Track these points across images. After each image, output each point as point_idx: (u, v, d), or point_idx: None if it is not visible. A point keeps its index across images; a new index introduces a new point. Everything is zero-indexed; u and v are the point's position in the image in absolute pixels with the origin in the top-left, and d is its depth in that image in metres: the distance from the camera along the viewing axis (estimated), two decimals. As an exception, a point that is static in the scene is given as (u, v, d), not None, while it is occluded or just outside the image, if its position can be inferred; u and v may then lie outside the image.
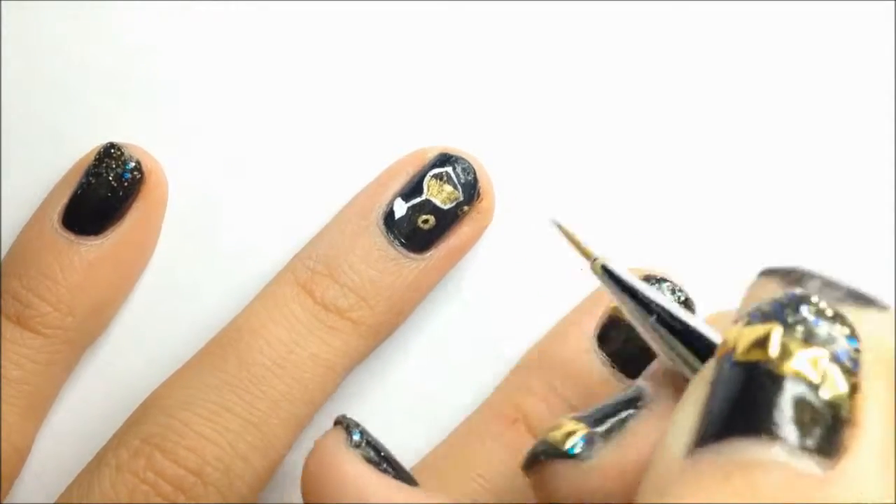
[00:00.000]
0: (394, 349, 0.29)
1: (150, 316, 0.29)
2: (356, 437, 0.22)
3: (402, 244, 0.26)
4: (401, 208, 0.27)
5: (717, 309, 0.27)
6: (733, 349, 0.16)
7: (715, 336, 0.20)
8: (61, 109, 0.29)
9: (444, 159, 0.27)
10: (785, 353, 0.15)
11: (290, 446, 0.26)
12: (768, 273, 0.19)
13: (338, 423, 0.22)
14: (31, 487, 0.28)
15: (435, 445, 0.28)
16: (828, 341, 0.16)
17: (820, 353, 0.15)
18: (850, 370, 0.16)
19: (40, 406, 0.27)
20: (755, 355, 0.16)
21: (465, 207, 0.27)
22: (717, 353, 0.16)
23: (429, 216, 0.27)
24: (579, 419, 0.20)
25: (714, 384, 0.16)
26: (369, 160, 0.29)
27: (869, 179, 0.29)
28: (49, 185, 0.28)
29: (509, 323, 0.29)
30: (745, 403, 0.15)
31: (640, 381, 0.21)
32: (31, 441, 0.27)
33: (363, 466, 0.22)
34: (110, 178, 0.27)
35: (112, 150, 0.27)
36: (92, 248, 0.27)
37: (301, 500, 0.28)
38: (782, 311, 0.16)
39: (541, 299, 0.29)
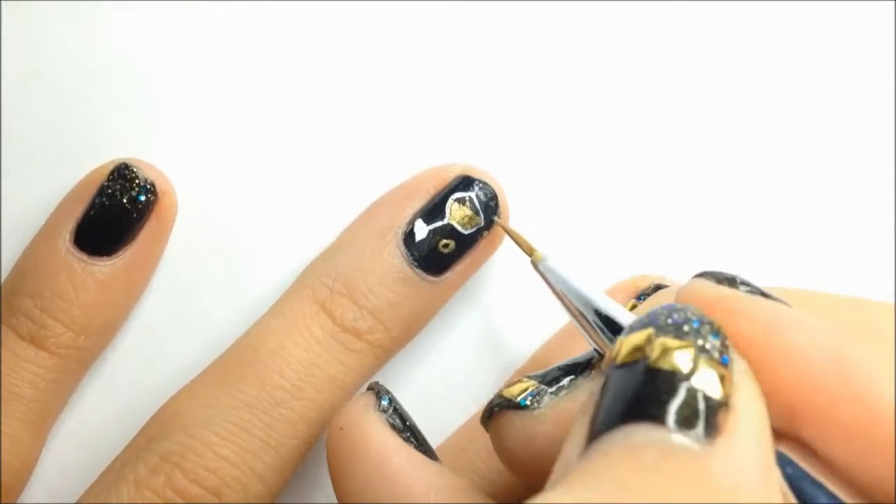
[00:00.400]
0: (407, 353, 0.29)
1: (156, 323, 0.28)
2: (384, 403, 0.23)
3: (421, 267, 0.27)
4: (422, 230, 0.27)
5: None
6: (616, 356, 0.18)
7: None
8: (61, 109, 0.28)
9: (467, 183, 0.27)
10: (660, 350, 0.17)
11: (303, 460, 0.26)
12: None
13: (370, 388, 0.24)
14: (35, 492, 0.28)
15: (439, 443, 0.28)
16: (697, 337, 0.18)
17: (690, 349, 0.17)
18: (720, 362, 0.17)
19: (48, 421, 0.27)
20: (634, 357, 0.18)
21: (486, 233, 0.27)
22: (603, 364, 0.18)
23: (449, 241, 0.27)
24: (532, 377, 0.22)
25: (602, 388, 0.18)
26: (375, 166, 0.29)
27: (869, 179, 0.30)
28: (49, 187, 0.28)
29: (513, 326, 0.29)
30: (627, 397, 0.17)
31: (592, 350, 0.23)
32: (37, 457, 0.27)
33: (387, 431, 0.23)
34: (124, 201, 0.27)
35: (126, 172, 0.27)
36: (105, 269, 0.27)
37: (302, 501, 0.29)
38: (656, 318, 0.18)
39: (545, 302, 0.29)
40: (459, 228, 0.27)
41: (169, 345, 0.28)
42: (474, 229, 0.27)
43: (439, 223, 0.27)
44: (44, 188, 0.28)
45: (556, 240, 0.29)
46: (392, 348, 0.27)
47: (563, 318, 0.28)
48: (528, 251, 0.24)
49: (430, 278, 0.27)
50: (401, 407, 0.24)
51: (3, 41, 0.28)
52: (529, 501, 0.16)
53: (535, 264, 0.24)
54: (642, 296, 0.27)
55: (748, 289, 0.20)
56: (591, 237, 0.29)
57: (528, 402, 0.22)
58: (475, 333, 0.29)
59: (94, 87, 0.28)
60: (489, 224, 0.27)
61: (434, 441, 0.27)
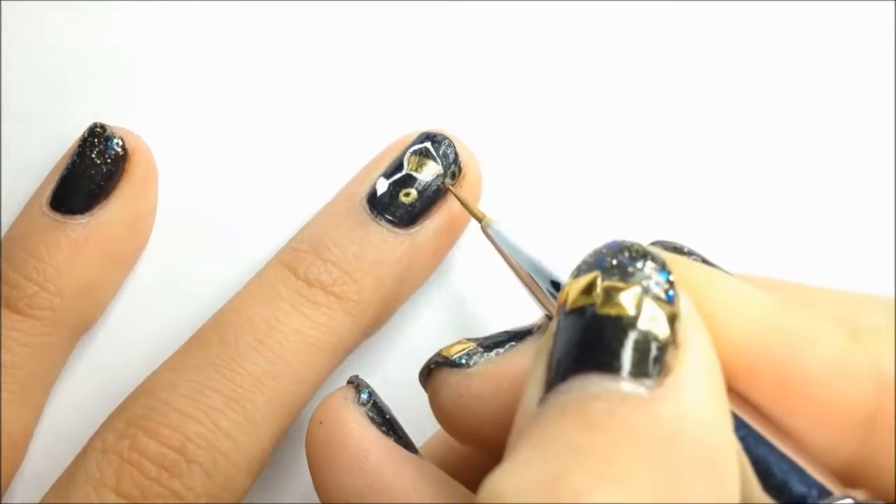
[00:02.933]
0: (390, 349, 0.28)
1: (148, 312, 0.28)
2: (364, 396, 0.23)
3: (387, 220, 0.26)
4: (383, 185, 0.27)
5: None
6: (565, 301, 0.18)
7: None
8: (61, 109, 0.29)
9: (424, 137, 0.27)
10: (606, 294, 0.17)
11: (282, 428, 0.25)
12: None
13: (350, 382, 0.24)
14: (31, 489, 0.27)
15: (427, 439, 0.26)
16: (642, 278, 0.17)
17: (636, 290, 0.17)
18: (666, 300, 0.17)
19: (35, 392, 0.26)
20: (582, 301, 0.17)
21: (446, 180, 0.27)
22: (556, 308, 0.18)
23: (410, 189, 0.26)
24: (472, 339, 0.23)
25: (554, 336, 0.17)
26: (367, 154, 0.29)
27: (869, 179, 0.29)
28: None
29: (502, 319, 0.28)
30: (578, 346, 0.17)
31: (537, 319, 0.23)
32: (30, 430, 0.27)
33: (367, 424, 0.22)
34: (93, 156, 0.27)
35: (96, 129, 0.27)
36: (77, 227, 0.27)
37: (302, 501, 0.28)
38: (602, 259, 0.18)
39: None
40: (418, 176, 0.27)
41: (162, 337, 0.28)
42: (433, 177, 0.27)
43: (398, 175, 0.27)
44: None
45: (550, 232, 0.29)
46: (365, 306, 0.26)
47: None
48: (478, 216, 0.25)
49: (398, 230, 0.26)
50: (380, 400, 0.23)
51: (3, 41, 0.29)
52: (491, 475, 0.16)
53: (484, 229, 0.24)
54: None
55: (695, 258, 0.20)
56: (588, 233, 0.29)
57: (462, 361, 0.22)
58: (462, 325, 0.28)
59: (94, 87, 0.29)
60: (450, 173, 0.27)
61: (420, 435, 0.27)
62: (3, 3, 0.30)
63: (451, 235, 0.27)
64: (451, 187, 0.27)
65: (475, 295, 0.29)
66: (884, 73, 0.29)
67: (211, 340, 0.25)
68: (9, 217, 0.28)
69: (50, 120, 0.29)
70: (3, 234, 0.28)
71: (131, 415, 0.24)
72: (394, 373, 0.28)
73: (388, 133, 0.29)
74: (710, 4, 0.29)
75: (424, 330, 0.29)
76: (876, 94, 0.29)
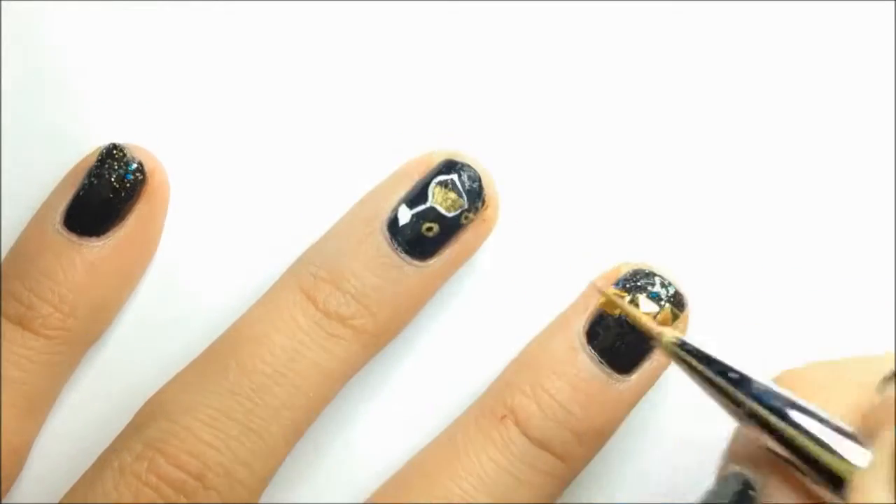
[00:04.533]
0: (390, 350, 0.29)
1: (152, 317, 0.29)
2: None
3: (406, 251, 0.26)
4: (405, 215, 0.27)
5: (712, 306, 0.28)
6: None
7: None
8: (61, 109, 0.29)
9: (450, 166, 0.27)
10: None
11: (290, 449, 0.26)
12: None
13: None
14: (31, 489, 0.28)
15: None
16: None
17: None
18: None
19: (40, 406, 0.27)
20: None
21: (470, 216, 0.27)
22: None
23: (433, 224, 0.27)
24: None
25: None
26: (373, 160, 0.29)
27: (869, 179, 0.29)
28: (49, 185, 0.28)
29: (504, 325, 0.29)
30: None
31: (735, 468, 0.20)
32: (31, 441, 0.27)
33: None
34: (112, 180, 0.27)
35: (114, 151, 0.27)
36: (94, 249, 0.27)
37: (300, 501, 0.29)
38: None
39: (536, 301, 0.29)
40: (443, 211, 0.27)
41: (165, 341, 0.29)
42: (458, 212, 0.27)
43: (422, 207, 0.27)
44: (44, 187, 0.28)
45: (550, 234, 0.29)
46: (379, 336, 0.27)
47: (555, 312, 0.28)
48: (653, 332, 0.22)
49: (416, 263, 0.26)
50: None
51: (3, 41, 0.29)
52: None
53: (667, 348, 0.21)
54: (620, 282, 0.27)
55: None
56: (586, 232, 0.29)
57: None
58: (463, 332, 0.29)
59: (95, 87, 0.29)
60: (473, 208, 0.27)
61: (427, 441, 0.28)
62: (2, 3, 0.29)
63: (460, 264, 0.28)
64: (600, 288, 0.26)
65: (473, 295, 0.29)
66: (884, 73, 0.29)
67: (230, 366, 0.26)
68: (8, 218, 0.28)
69: (51, 120, 0.29)
70: (6, 239, 0.28)
71: (149, 437, 0.25)
72: (389, 370, 0.29)
73: (394, 135, 0.29)
74: (711, 4, 0.29)
75: (424, 331, 0.29)
76: (876, 94, 0.29)
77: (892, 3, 0.29)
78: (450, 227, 0.27)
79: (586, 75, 0.29)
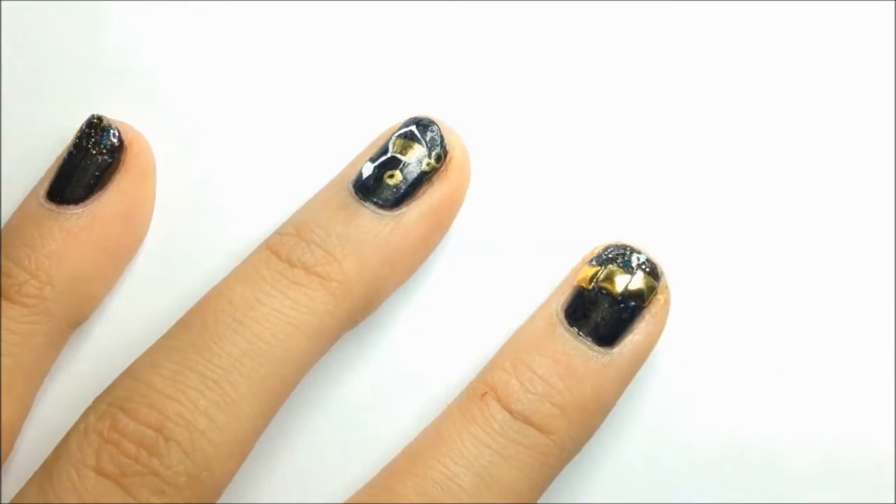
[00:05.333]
0: (382, 343, 0.28)
1: (151, 317, 0.28)
2: None
3: (373, 203, 0.26)
4: (368, 169, 0.27)
5: (715, 306, 0.28)
6: None
7: None
8: (61, 109, 0.29)
9: (411, 121, 0.27)
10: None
11: (265, 411, 0.25)
12: None
13: None
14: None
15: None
16: None
17: None
18: None
19: (24, 383, 0.26)
20: None
21: (429, 160, 0.26)
22: None
23: (394, 171, 0.26)
24: None
25: None
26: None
27: (869, 179, 0.29)
28: None
29: (498, 318, 0.28)
30: None
31: None
32: (17, 421, 0.27)
33: None
34: (89, 146, 0.27)
35: (93, 121, 0.28)
36: (71, 218, 0.27)
37: (300, 501, 0.28)
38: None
39: (530, 293, 0.28)
40: (403, 158, 0.27)
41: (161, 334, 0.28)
42: (418, 160, 0.26)
43: (383, 158, 0.27)
44: None
45: (548, 230, 0.29)
46: (350, 287, 0.26)
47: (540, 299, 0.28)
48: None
49: (382, 211, 0.26)
50: None
51: (3, 41, 0.30)
52: None
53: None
54: (594, 259, 0.27)
55: None
56: (583, 229, 0.29)
57: None
58: (454, 324, 0.29)
59: (95, 87, 0.29)
60: (434, 156, 0.27)
61: (409, 425, 0.27)
62: (2, 3, 0.30)
63: (438, 222, 0.27)
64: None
65: (465, 288, 0.29)
66: (884, 73, 0.29)
67: (193, 323, 0.25)
68: (9, 217, 0.29)
69: (50, 120, 0.29)
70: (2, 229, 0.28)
71: (113, 397, 0.24)
72: (381, 363, 0.28)
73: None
74: (711, 4, 0.29)
75: (414, 322, 0.29)
76: (876, 94, 0.29)
77: (892, 3, 0.29)
78: (413, 176, 0.26)
79: (587, 70, 0.29)
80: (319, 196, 0.27)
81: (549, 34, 0.29)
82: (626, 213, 0.29)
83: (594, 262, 0.27)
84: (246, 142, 0.29)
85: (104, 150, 0.27)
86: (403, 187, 0.26)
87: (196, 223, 0.29)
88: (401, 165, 0.26)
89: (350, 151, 0.28)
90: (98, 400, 0.25)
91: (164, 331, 0.28)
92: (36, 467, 0.26)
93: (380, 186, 0.26)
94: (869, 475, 0.28)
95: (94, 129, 0.28)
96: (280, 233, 0.26)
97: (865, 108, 0.29)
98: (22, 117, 0.29)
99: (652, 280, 0.26)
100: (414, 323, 0.29)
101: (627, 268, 0.26)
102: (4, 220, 0.29)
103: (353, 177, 0.27)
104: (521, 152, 0.29)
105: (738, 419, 0.28)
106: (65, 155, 0.28)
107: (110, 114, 0.29)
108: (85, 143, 0.27)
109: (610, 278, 0.26)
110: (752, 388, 0.28)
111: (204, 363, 0.24)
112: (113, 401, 0.24)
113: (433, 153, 0.27)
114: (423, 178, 0.26)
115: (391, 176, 0.26)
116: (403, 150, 0.27)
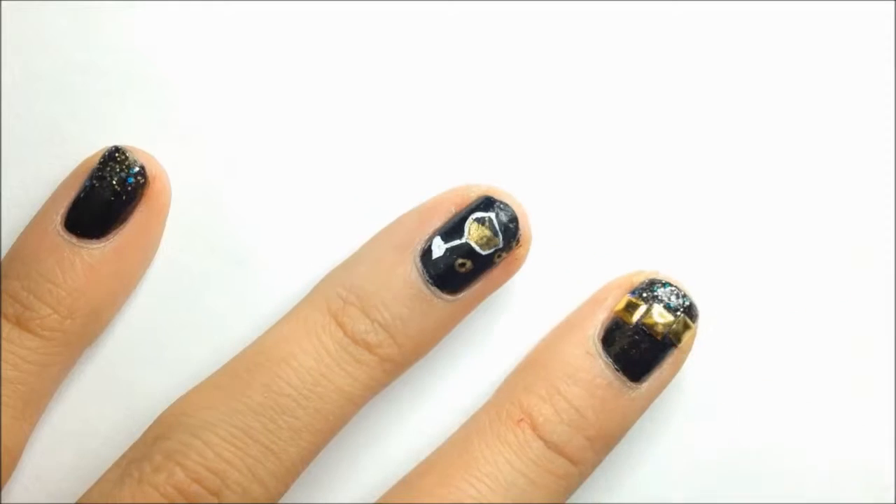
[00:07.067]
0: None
1: (152, 318, 0.29)
2: None
3: (436, 285, 0.26)
4: (439, 248, 0.27)
5: (716, 309, 0.29)
6: None
7: None
8: (61, 109, 0.28)
9: (489, 203, 0.27)
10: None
11: (305, 469, 0.27)
12: None
13: None
14: (31, 489, 0.28)
15: (437, 446, 0.28)
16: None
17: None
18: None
19: (35, 406, 0.27)
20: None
21: (503, 254, 0.27)
22: None
23: (466, 260, 0.27)
24: None
25: None
26: (381, 168, 0.29)
27: (869, 180, 0.29)
28: (50, 186, 0.28)
29: (510, 325, 0.29)
30: None
31: None
32: (24, 441, 0.27)
33: None
34: (114, 182, 0.27)
35: (116, 154, 0.27)
36: (93, 252, 0.27)
37: (300, 501, 0.30)
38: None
39: (542, 301, 0.29)
40: (477, 249, 0.27)
41: (172, 346, 0.29)
42: (492, 251, 0.27)
43: (457, 241, 0.27)
44: (44, 187, 0.28)
45: (559, 238, 0.29)
46: (402, 364, 0.27)
47: (556, 316, 0.28)
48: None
49: (445, 297, 0.27)
50: None
51: (3, 41, 0.28)
52: None
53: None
54: (636, 291, 0.27)
55: None
56: (593, 235, 0.29)
57: None
58: (468, 331, 0.29)
59: (96, 88, 0.28)
60: (508, 247, 0.27)
61: (435, 441, 0.28)
62: (2, 3, 0.28)
63: (486, 296, 0.28)
64: None
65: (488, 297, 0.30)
66: (884, 73, 0.29)
67: (254, 386, 0.26)
68: (8, 218, 0.28)
69: (51, 120, 0.28)
70: (6, 239, 0.28)
71: (170, 449, 0.25)
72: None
73: (408, 141, 0.29)
74: (711, 4, 0.29)
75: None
76: (876, 94, 0.29)
77: (893, 3, 0.29)
78: (482, 265, 0.27)
79: (598, 82, 0.29)
80: (383, 260, 0.27)
81: (572, 52, 0.29)
82: (634, 219, 0.29)
83: (636, 295, 0.27)
84: (248, 143, 0.29)
85: (129, 188, 0.27)
86: (471, 276, 0.27)
87: (197, 224, 0.29)
88: (474, 255, 0.27)
89: (357, 156, 0.28)
90: (152, 448, 0.25)
91: (165, 330, 0.29)
92: (33, 475, 0.27)
93: (449, 272, 0.27)
94: (869, 476, 0.29)
95: (118, 164, 0.27)
96: (343, 298, 0.26)
97: (865, 108, 0.29)
98: (22, 117, 0.28)
99: (690, 322, 0.27)
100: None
101: (672, 310, 0.27)
102: (4, 219, 0.28)
103: (421, 249, 0.27)
104: (522, 153, 0.29)
105: (737, 420, 0.29)
106: (84, 184, 0.27)
107: (110, 114, 0.28)
108: (109, 178, 0.27)
109: (653, 318, 0.27)
110: (752, 390, 0.29)
111: (266, 434, 0.25)
112: (170, 454, 0.25)
113: (507, 245, 0.27)
114: (491, 266, 0.27)
115: (463, 265, 0.27)
116: (480, 240, 0.27)
